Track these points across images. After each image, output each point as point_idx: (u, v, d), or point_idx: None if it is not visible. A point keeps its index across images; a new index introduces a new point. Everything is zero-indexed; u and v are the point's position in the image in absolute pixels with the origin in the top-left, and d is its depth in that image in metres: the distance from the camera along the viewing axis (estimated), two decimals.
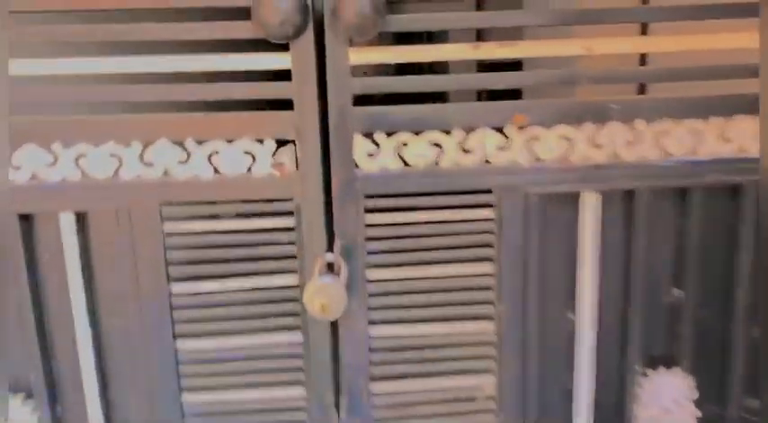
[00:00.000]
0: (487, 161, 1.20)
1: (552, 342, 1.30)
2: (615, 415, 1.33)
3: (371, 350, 1.28)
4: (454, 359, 1.29)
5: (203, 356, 1.27)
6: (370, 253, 1.23)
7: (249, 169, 1.19)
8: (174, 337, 1.25)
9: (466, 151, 1.20)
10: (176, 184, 1.18)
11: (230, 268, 1.23)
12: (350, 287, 1.21)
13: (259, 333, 1.26)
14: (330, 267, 1.20)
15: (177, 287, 1.24)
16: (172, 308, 1.24)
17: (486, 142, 1.19)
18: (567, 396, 1.32)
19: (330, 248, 1.21)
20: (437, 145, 1.19)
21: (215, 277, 1.24)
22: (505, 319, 1.27)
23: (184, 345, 1.26)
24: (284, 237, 1.22)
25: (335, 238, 1.21)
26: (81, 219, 1.21)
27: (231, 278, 1.24)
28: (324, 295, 1.18)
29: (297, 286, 1.23)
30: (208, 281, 1.24)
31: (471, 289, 1.27)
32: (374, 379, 1.28)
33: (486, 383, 1.30)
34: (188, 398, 1.28)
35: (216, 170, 1.19)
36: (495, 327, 1.27)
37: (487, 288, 1.26)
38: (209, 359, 1.27)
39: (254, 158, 1.18)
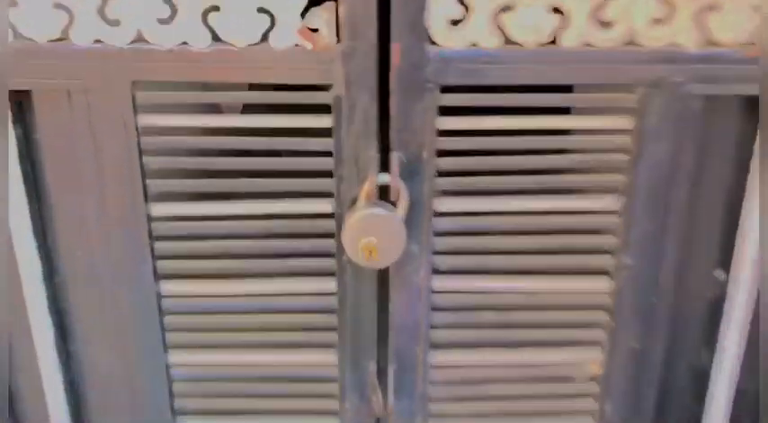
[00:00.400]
0: (632, 42, 0.77)
1: (690, 309, 0.92)
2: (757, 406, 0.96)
3: (434, 309, 0.90)
4: (547, 326, 0.92)
5: (195, 305, 0.91)
6: (441, 174, 0.83)
7: (265, 36, 0.77)
8: (157, 277, 0.89)
9: (603, 23, 0.77)
10: (155, 54, 0.78)
11: (235, 185, 0.84)
12: (409, 222, 0.82)
13: (276, 278, 0.89)
14: (383, 193, 0.81)
15: (158, 209, 0.86)
16: (152, 237, 0.86)
17: (634, 10, 0.76)
18: (700, 380, 0.94)
19: (384, 166, 0.81)
20: (557, 11, 0.76)
21: (213, 197, 0.85)
22: (628, 276, 0.88)
23: (170, 287, 0.89)
24: (316, 144, 0.82)
25: (392, 150, 0.81)
26: (21, 104, 0.82)
27: (238, 201, 0.85)
28: (372, 232, 0.79)
29: (332, 215, 0.85)
30: (202, 203, 0.86)
31: (582, 232, 0.88)
32: (435, 347, 0.92)
33: (590, 359, 0.93)
34: (175, 358, 0.93)
35: (215, 36, 0.77)
36: (611, 285, 0.89)
37: (608, 231, 0.87)
38: (204, 310, 0.91)
39: (272, 20, 0.76)
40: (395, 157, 0.81)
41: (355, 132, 0.80)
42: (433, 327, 0.91)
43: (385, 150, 0.82)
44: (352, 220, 0.79)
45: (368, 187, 0.79)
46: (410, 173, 0.82)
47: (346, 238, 0.80)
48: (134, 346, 0.92)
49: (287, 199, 0.85)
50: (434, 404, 0.95)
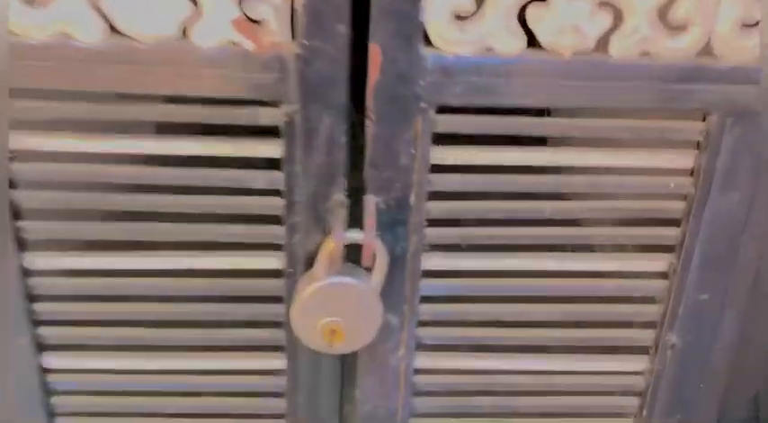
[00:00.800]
0: (708, 52, 0.55)
1: (745, 402, 0.71)
2: None
3: (416, 394, 0.69)
4: (561, 415, 0.71)
5: (93, 384, 0.67)
6: (433, 223, 0.60)
7: (184, 29, 0.53)
8: (40, 348, 0.65)
9: (671, 26, 0.54)
10: (25, 50, 0.53)
11: (147, 230, 0.61)
12: (388, 283, 0.60)
13: (204, 352, 0.66)
14: (352, 252, 0.58)
15: (38, 260, 0.61)
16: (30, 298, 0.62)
17: (719, 10, 0.53)
18: None
19: (354, 215, 0.58)
20: (607, 4, 0.53)
21: (115, 247, 0.61)
22: (672, 357, 0.67)
23: (56, 360, 0.66)
24: (259, 179, 0.59)
25: (366, 192, 0.58)
26: None
27: (150, 251, 0.62)
28: (335, 308, 0.57)
29: (280, 273, 0.62)
30: (98, 254, 0.62)
31: (617, 300, 0.66)
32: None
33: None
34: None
35: (111, 26, 0.52)
36: (649, 366, 0.68)
37: (650, 300, 0.65)
38: (105, 389, 0.68)
39: (195, 5, 0.52)
40: (370, 203, 0.58)
41: (315, 167, 0.57)
42: (414, 416, 0.69)
43: (356, 193, 0.58)
44: (308, 293, 0.57)
45: (331, 246, 0.56)
46: (391, 223, 0.59)
47: (298, 315, 0.58)
48: None
49: (218, 250, 0.62)
50: None
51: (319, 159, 0.57)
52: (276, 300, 0.63)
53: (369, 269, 0.58)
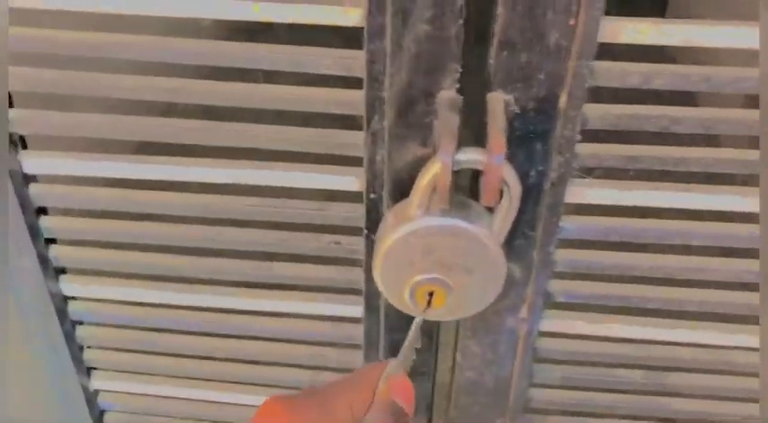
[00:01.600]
0: None
1: None
2: None
3: (538, 361, 0.51)
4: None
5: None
6: (588, 138, 0.39)
7: None
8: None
9: None
10: None
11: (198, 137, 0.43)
12: (511, 230, 0.40)
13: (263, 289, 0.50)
14: (463, 182, 0.38)
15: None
16: None
17: None
18: None
19: (470, 125, 0.38)
20: None
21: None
22: None
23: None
24: (327, 59, 0.39)
25: (490, 88, 0.37)
26: None
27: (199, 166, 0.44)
28: (437, 263, 0.38)
29: (359, 198, 0.43)
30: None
31: None
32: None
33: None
34: None
35: None
36: None
37: None
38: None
39: None
40: (497, 104, 0.37)
41: (413, 43, 0.36)
42: (534, 386, 0.52)
43: (474, 89, 0.38)
44: (398, 238, 0.38)
45: (434, 170, 0.36)
46: (526, 135, 0.39)
47: (383, 266, 0.39)
48: None
49: (272, 161, 0.43)
50: None
51: (421, 31, 0.36)
52: (352, 231, 0.45)
53: (489, 208, 0.38)
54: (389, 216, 0.40)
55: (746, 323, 0.48)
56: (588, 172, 0.42)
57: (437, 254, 0.38)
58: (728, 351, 0.50)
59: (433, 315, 0.41)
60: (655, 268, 0.45)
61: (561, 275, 0.46)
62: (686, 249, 0.45)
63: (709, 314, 0.48)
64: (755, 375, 0.51)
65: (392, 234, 0.38)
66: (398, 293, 0.40)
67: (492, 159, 0.35)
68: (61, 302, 0.53)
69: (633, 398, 0.53)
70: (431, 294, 0.39)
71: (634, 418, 0.54)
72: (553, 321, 0.49)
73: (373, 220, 0.43)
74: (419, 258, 0.38)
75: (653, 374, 0.52)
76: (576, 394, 0.53)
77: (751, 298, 0.47)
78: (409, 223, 0.37)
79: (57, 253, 0.51)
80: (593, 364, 0.51)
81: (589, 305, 0.48)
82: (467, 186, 0.39)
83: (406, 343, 0.39)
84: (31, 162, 0.46)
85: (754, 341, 0.48)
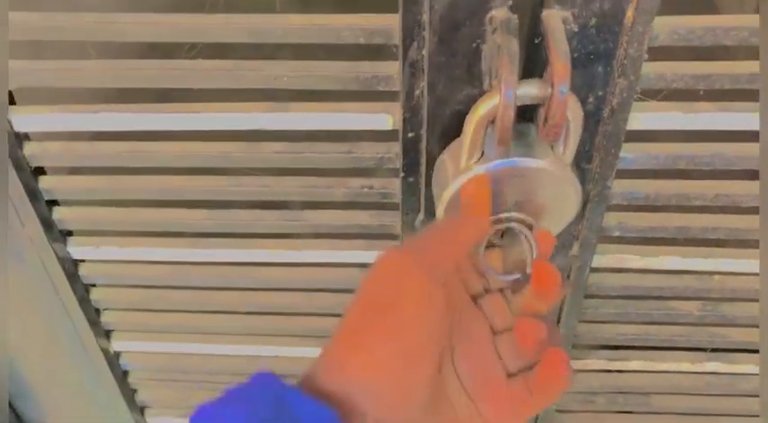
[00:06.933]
0: None
1: None
2: None
3: (589, 296, 0.48)
4: None
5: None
6: (659, 57, 0.35)
7: None
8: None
9: None
10: None
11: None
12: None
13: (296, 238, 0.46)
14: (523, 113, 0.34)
15: None
16: None
17: None
18: None
19: (531, 48, 0.33)
20: None
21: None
22: None
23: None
24: None
25: (546, 5, 0.32)
26: None
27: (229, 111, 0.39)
28: (513, 208, 0.35)
29: (394, 137, 0.39)
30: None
31: None
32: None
33: None
34: None
35: None
36: None
37: None
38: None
39: None
40: (555, 23, 0.32)
41: None
42: (583, 321, 0.49)
43: (525, 4, 0.33)
44: (454, 188, 0.34)
45: (495, 109, 0.31)
46: (586, 58, 0.34)
47: (448, 212, 0.35)
48: None
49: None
50: None
51: None
52: (390, 172, 0.41)
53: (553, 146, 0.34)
54: (446, 159, 0.36)
55: None
56: (653, 95, 0.37)
57: (506, 194, 0.34)
58: None
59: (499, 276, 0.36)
60: (721, 196, 0.41)
61: (619, 208, 0.42)
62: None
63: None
64: None
65: (455, 181, 0.34)
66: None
67: (557, 90, 0.30)
68: (71, 266, 0.50)
69: (689, 329, 0.50)
70: (502, 235, 0.36)
71: (688, 349, 0.52)
72: (606, 257, 0.45)
73: (412, 162, 0.39)
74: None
75: (710, 305, 0.49)
76: (627, 328, 0.51)
77: None
78: (470, 171, 0.33)
79: (61, 215, 0.47)
80: (647, 297, 0.48)
81: (645, 238, 0.44)
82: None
83: None
84: (22, 119, 0.41)
85: None
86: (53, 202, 0.46)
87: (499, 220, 0.34)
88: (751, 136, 0.39)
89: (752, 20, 0.34)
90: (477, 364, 0.33)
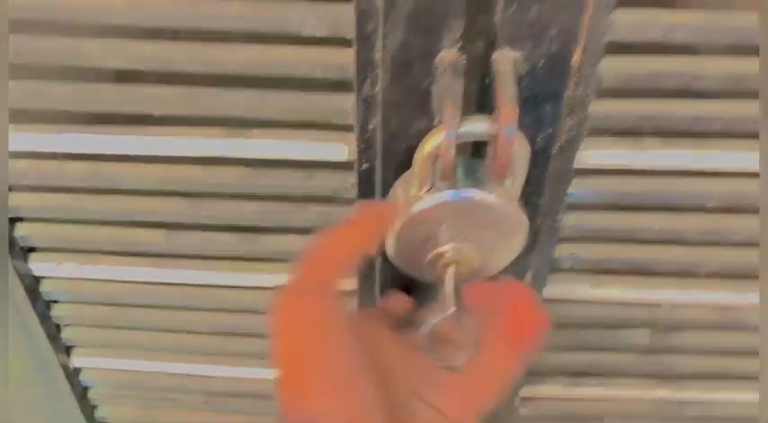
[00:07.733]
0: None
1: None
2: None
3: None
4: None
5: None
6: (606, 93, 0.36)
7: None
8: None
9: None
10: None
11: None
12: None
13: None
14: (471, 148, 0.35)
15: None
16: None
17: None
18: None
19: (469, 91, 0.34)
20: None
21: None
22: None
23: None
24: (311, 19, 0.34)
25: (497, 46, 0.33)
26: None
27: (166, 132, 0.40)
28: (447, 233, 0.36)
29: (350, 167, 0.40)
30: None
31: None
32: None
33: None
34: None
35: None
36: None
37: None
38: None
39: None
40: (504, 63, 0.33)
41: None
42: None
43: (476, 45, 0.34)
44: (409, 217, 0.35)
45: (439, 145, 0.32)
46: (534, 97, 0.35)
47: (397, 245, 0.36)
48: None
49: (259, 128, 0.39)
50: None
51: None
52: (347, 201, 0.42)
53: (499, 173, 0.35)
54: (398, 188, 0.37)
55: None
56: (599, 134, 0.38)
57: (453, 225, 0.35)
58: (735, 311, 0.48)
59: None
60: (666, 230, 0.43)
61: (569, 240, 0.43)
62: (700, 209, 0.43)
63: (716, 273, 0.46)
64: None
65: (404, 212, 0.35)
66: (417, 266, 0.37)
67: (503, 131, 0.31)
68: (32, 282, 0.50)
69: (638, 357, 0.51)
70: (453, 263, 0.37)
71: (638, 376, 0.53)
72: (560, 288, 0.46)
73: (366, 192, 0.40)
74: (435, 232, 0.35)
75: (658, 335, 0.50)
76: (579, 357, 0.52)
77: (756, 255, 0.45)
78: (418, 202, 0.34)
79: (23, 232, 0.47)
80: (597, 326, 0.49)
81: (596, 269, 0.46)
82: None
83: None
84: None
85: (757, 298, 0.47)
86: (16, 219, 0.47)
87: (440, 255, 0.35)
88: (696, 173, 0.40)
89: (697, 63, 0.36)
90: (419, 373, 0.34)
